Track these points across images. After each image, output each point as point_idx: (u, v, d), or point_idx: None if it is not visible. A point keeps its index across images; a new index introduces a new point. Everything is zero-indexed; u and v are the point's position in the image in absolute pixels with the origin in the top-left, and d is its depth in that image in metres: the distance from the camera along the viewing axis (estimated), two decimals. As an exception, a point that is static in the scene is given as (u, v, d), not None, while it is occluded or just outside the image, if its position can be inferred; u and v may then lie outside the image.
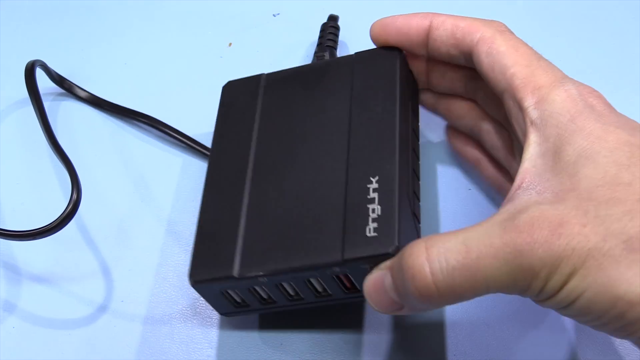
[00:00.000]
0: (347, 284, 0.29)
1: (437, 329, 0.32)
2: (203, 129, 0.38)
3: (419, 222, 0.30)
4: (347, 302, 0.30)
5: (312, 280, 0.29)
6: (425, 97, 0.36)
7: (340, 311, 0.33)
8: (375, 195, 0.28)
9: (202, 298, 0.33)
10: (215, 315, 0.33)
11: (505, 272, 0.24)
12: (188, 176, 0.37)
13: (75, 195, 0.32)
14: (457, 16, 0.31)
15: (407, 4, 0.35)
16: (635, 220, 0.23)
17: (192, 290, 0.34)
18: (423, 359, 0.32)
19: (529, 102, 0.27)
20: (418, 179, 0.31)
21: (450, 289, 0.24)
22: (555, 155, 0.26)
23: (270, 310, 0.31)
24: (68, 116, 0.39)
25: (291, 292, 0.30)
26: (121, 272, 0.34)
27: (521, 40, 0.30)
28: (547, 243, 0.23)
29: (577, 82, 0.28)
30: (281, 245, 0.29)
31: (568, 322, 0.32)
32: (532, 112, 0.27)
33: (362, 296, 0.28)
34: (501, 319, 0.30)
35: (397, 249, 0.26)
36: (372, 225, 0.27)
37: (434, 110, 0.36)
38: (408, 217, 0.29)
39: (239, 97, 0.34)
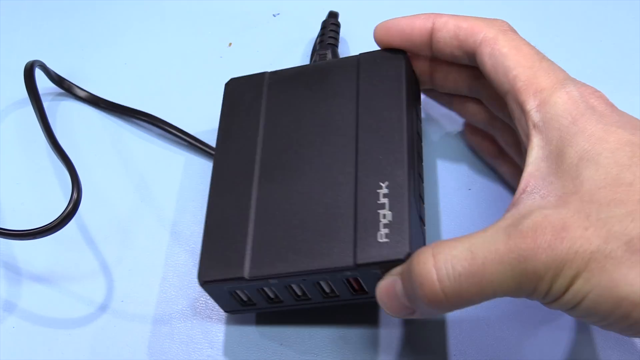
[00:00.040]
0: (355, 286, 0.29)
1: (437, 328, 0.32)
2: (203, 129, 0.38)
3: (424, 225, 0.31)
4: (353, 303, 0.30)
5: (321, 283, 0.29)
6: (439, 94, 0.36)
7: (340, 309, 0.33)
8: (385, 200, 0.28)
9: (202, 298, 0.33)
10: (215, 315, 0.33)
11: (510, 277, 0.24)
12: (189, 175, 0.37)
13: (75, 195, 0.32)
14: (459, 16, 0.31)
15: (407, 1, 0.35)
16: (636, 221, 0.23)
17: (192, 290, 0.34)
18: (423, 359, 0.32)
19: (531, 105, 0.27)
20: (422, 181, 0.32)
21: (457, 295, 0.25)
22: (557, 158, 0.26)
23: (276, 309, 0.31)
24: (68, 116, 0.39)
25: (298, 293, 0.30)
26: (121, 272, 0.34)
27: (524, 39, 0.30)
28: (550, 247, 0.24)
29: (579, 82, 0.28)
30: (292, 248, 0.29)
31: (568, 322, 0.32)
32: (535, 115, 0.27)
33: (369, 297, 0.29)
34: (501, 318, 0.30)
35: (409, 255, 0.27)
36: (383, 231, 0.28)
37: (449, 107, 0.37)
38: (416, 221, 0.29)
39: (243, 95, 0.34)
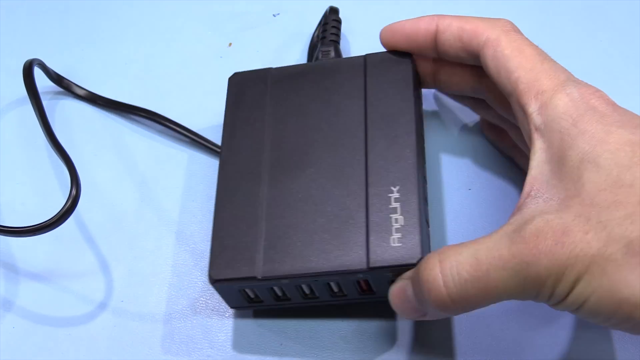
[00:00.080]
0: (364, 287, 0.30)
1: (437, 328, 0.32)
2: (204, 128, 0.38)
3: (428, 227, 0.31)
4: (360, 302, 0.31)
5: (331, 283, 0.30)
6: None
7: (338, 307, 0.33)
8: (397, 205, 0.29)
9: (202, 298, 0.33)
10: (215, 314, 0.33)
11: (514, 282, 0.25)
12: (191, 173, 0.37)
13: (74, 191, 0.32)
14: (463, 17, 0.31)
15: None
16: (635, 224, 0.23)
17: (192, 290, 0.34)
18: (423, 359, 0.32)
19: (532, 108, 0.28)
20: (426, 182, 0.32)
21: (463, 300, 0.26)
22: (559, 160, 0.26)
23: (282, 306, 0.31)
24: (67, 114, 0.39)
25: (307, 292, 0.31)
26: (121, 272, 0.34)
27: (527, 39, 0.30)
28: (552, 253, 0.24)
29: (581, 83, 0.28)
30: (304, 249, 0.29)
31: (568, 322, 0.32)
32: (536, 118, 0.27)
33: (375, 297, 0.30)
34: (501, 318, 0.30)
35: (420, 259, 0.28)
36: (395, 235, 0.28)
37: (462, 103, 0.37)
38: (424, 224, 0.29)
39: (248, 91, 0.34)
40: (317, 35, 0.40)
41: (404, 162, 0.30)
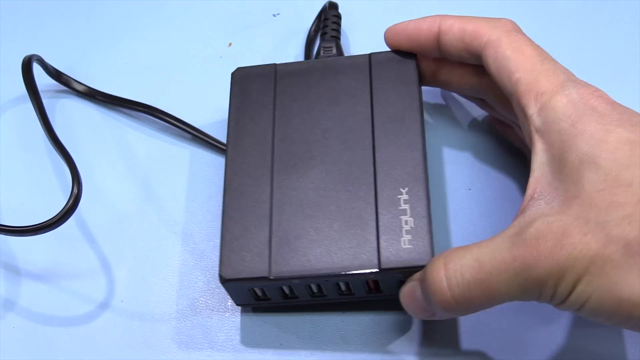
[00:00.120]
0: (372, 286, 0.30)
1: (436, 328, 0.32)
2: (204, 128, 0.38)
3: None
4: (366, 300, 0.32)
5: (340, 283, 0.30)
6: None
7: (340, 304, 0.33)
8: (406, 207, 0.30)
9: (202, 298, 0.33)
10: (215, 315, 0.33)
11: (515, 284, 0.25)
12: (192, 172, 0.37)
13: (76, 190, 0.32)
14: (464, 18, 0.31)
15: None
16: (633, 224, 0.24)
17: (192, 289, 0.34)
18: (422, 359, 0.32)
19: (532, 110, 0.28)
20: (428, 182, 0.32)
21: (468, 302, 0.26)
22: (560, 162, 0.26)
23: (289, 304, 0.32)
24: (66, 111, 0.39)
25: (315, 290, 0.31)
26: (121, 272, 0.34)
27: (528, 39, 0.30)
28: (551, 255, 0.24)
29: (580, 83, 0.28)
30: (315, 249, 0.30)
31: (568, 322, 0.33)
32: (536, 120, 0.28)
33: (382, 296, 0.31)
34: (502, 318, 0.30)
35: None
36: (406, 237, 0.29)
37: (468, 99, 0.37)
38: (431, 224, 0.30)
39: (253, 87, 0.34)
40: (315, 30, 0.40)
41: (412, 163, 0.31)
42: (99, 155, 0.37)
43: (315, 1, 0.41)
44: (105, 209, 0.36)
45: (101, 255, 0.35)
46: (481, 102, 0.36)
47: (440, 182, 0.36)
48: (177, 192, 0.36)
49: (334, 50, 0.37)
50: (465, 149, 0.37)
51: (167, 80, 0.40)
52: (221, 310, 0.33)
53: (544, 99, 0.27)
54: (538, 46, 0.30)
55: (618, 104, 0.27)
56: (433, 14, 0.33)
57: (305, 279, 0.30)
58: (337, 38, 0.38)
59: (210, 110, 0.38)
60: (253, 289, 0.31)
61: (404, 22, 0.33)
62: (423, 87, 0.35)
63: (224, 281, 0.30)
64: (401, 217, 0.30)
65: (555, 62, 0.29)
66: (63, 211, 0.31)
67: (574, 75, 0.28)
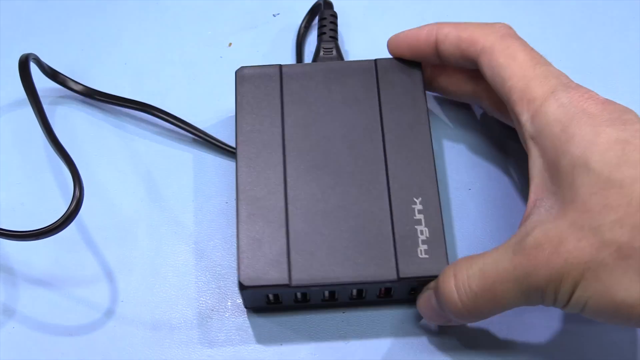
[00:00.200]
0: (383, 292, 0.31)
1: (435, 332, 0.32)
2: (205, 128, 0.38)
3: None
4: (374, 303, 0.32)
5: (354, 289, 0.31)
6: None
7: (340, 304, 0.33)
8: (421, 217, 0.31)
9: (201, 298, 0.33)
10: (215, 315, 0.33)
11: (518, 292, 0.26)
12: (192, 173, 0.37)
13: (78, 192, 0.32)
14: (460, 25, 0.32)
15: None
16: (625, 227, 0.24)
17: (192, 290, 0.34)
18: (422, 358, 0.32)
19: (525, 117, 0.28)
20: None
21: (477, 310, 0.28)
22: (555, 167, 0.27)
23: (300, 307, 0.32)
24: (64, 111, 0.39)
25: (327, 296, 0.31)
26: (121, 273, 0.34)
27: (521, 44, 0.30)
28: (549, 263, 0.25)
29: (571, 86, 0.28)
30: (332, 257, 0.30)
31: (568, 322, 0.33)
32: (529, 127, 0.28)
33: (391, 300, 0.32)
34: (502, 318, 0.30)
35: None
36: (422, 247, 0.30)
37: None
38: (444, 233, 0.31)
39: (259, 89, 0.34)
40: (305, 27, 0.40)
41: (424, 173, 0.32)
42: (98, 155, 0.37)
43: (315, 1, 0.41)
44: (104, 209, 0.36)
45: (101, 255, 0.35)
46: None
47: (440, 183, 0.36)
48: (178, 192, 0.36)
49: (334, 51, 0.38)
50: (465, 149, 0.37)
51: (167, 80, 0.40)
52: (221, 310, 0.33)
53: (535, 106, 0.28)
54: (531, 50, 0.30)
55: (610, 102, 0.27)
56: (431, 22, 0.33)
57: (324, 287, 0.30)
58: (335, 38, 0.38)
59: (211, 110, 0.38)
60: (267, 294, 0.31)
61: (404, 32, 0.34)
62: None
63: (244, 288, 0.30)
64: (416, 227, 0.30)
65: (548, 65, 0.29)
66: (65, 215, 0.31)
67: (566, 78, 0.29)
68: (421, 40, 0.33)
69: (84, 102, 0.39)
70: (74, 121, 0.38)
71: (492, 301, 0.27)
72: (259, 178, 0.32)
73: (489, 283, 0.27)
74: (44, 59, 0.38)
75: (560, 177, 0.26)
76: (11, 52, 0.40)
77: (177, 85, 0.40)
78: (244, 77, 0.35)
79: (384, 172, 0.32)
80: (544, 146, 0.27)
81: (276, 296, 0.31)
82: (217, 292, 0.34)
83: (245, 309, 0.33)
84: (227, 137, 0.37)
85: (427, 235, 0.30)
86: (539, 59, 0.29)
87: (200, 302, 0.33)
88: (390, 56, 0.35)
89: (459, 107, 0.38)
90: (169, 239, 0.35)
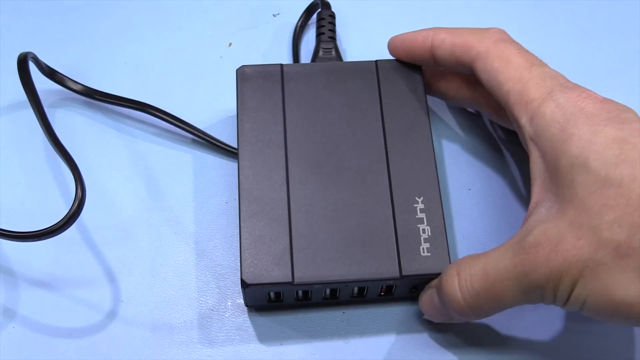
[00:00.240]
0: (384, 290, 0.32)
1: (435, 328, 0.32)
2: (205, 128, 0.38)
3: None
4: (375, 301, 0.32)
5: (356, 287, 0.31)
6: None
7: (339, 303, 0.33)
8: (423, 215, 0.31)
9: (201, 298, 0.33)
10: (215, 315, 0.33)
11: (518, 290, 0.26)
12: (192, 172, 0.37)
13: (80, 192, 0.32)
14: (455, 31, 0.32)
15: None
16: (623, 226, 0.24)
17: (192, 290, 0.34)
18: (421, 359, 0.32)
19: (524, 120, 0.28)
20: None
21: (479, 308, 0.28)
22: (554, 168, 0.27)
23: (301, 305, 0.32)
24: (63, 110, 0.39)
25: (328, 294, 0.32)
26: (121, 272, 0.34)
27: (515, 47, 0.30)
28: (548, 261, 0.25)
29: (568, 86, 0.28)
30: (335, 255, 0.30)
31: (569, 320, 0.33)
32: (528, 129, 0.28)
33: (391, 298, 0.32)
34: (503, 314, 0.30)
35: None
36: (424, 245, 0.31)
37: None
38: (446, 231, 0.31)
39: (261, 88, 0.34)
40: (301, 26, 0.40)
41: (425, 172, 0.32)
42: (98, 156, 0.37)
43: (311, 1, 0.41)
44: (104, 209, 0.36)
45: (100, 255, 0.35)
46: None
47: (440, 183, 0.36)
48: (177, 191, 0.36)
49: (333, 51, 0.38)
50: (465, 149, 0.37)
51: (167, 80, 0.40)
52: (221, 310, 0.33)
53: (533, 108, 0.28)
54: (526, 52, 0.30)
55: (609, 101, 0.27)
56: (428, 27, 0.33)
57: (327, 285, 0.30)
58: (334, 38, 0.39)
59: (211, 110, 0.38)
60: (269, 293, 0.31)
61: (402, 35, 0.34)
62: None
63: (246, 286, 0.30)
64: (418, 225, 0.31)
65: (544, 67, 0.29)
66: (68, 215, 0.31)
67: (563, 78, 0.29)
68: (417, 45, 0.33)
69: (83, 102, 0.39)
70: (73, 121, 0.38)
71: (494, 300, 0.27)
72: (261, 176, 0.32)
73: (489, 281, 0.27)
74: (44, 58, 0.38)
75: (560, 177, 0.26)
76: (11, 52, 0.40)
77: (177, 85, 0.40)
78: (245, 75, 0.35)
79: (385, 171, 0.32)
80: (543, 147, 0.28)
81: (277, 294, 0.31)
82: (217, 292, 0.34)
83: (245, 309, 0.33)
84: (227, 137, 0.37)
85: (429, 234, 0.31)
86: (534, 61, 0.30)
87: (201, 302, 0.33)
88: (390, 57, 0.35)
89: (459, 108, 0.39)
90: (169, 239, 0.35)
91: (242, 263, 0.30)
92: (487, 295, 0.27)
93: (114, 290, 0.34)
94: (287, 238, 0.30)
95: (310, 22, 0.41)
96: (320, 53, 0.38)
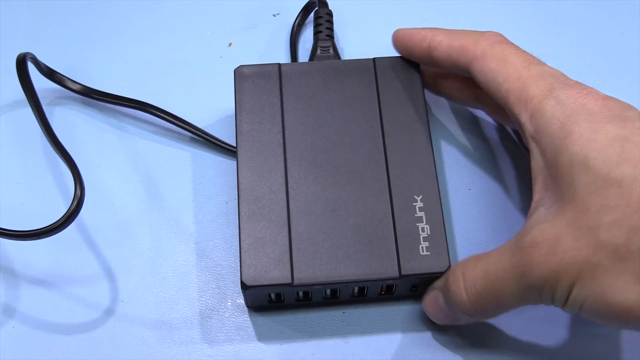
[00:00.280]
0: (384, 289, 0.32)
1: (436, 328, 0.32)
2: (204, 128, 0.38)
3: None
4: (376, 300, 0.32)
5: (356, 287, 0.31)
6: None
7: (339, 303, 0.33)
8: (422, 214, 0.31)
9: (201, 298, 0.33)
10: (215, 315, 0.33)
11: (517, 290, 0.26)
12: (191, 172, 0.37)
13: (79, 192, 0.32)
14: (452, 34, 0.32)
15: None
16: (622, 228, 0.24)
17: (192, 290, 0.34)
18: (421, 359, 0.32)
19: (524, 118, 0.28)
20: None
21: (483, 309, 0.28)
22: (554, 166, 0.26)
23: (301, 305, 0.32)
24: (62, 110, 0.39)
25: (329, 294, 0.31)
26: (121, 272, 0.34)
27: (512, 48, 0.30)
28: (545, 262, 0.25)
29: (569, 83, 0.28)
30: (335, 256, 0.30)
31: (570, 322, 0.33)
32: (529, 127, 0.28)
33: (392, 297, 0.32)
34: (504, 317, 0.30)
35: (448, 268, 0.30)
36: (424, 244, 0.30)
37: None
38: (445, 230, 0.31)
39: (258, 87, 0.34)
40: (299, 24, 0.40)
41: (424, 171, 0.32)
42: (97, 155, 0.37)
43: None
44: (104, 209, 0.36)
45: (100, 254, 0.35)
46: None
47: (440, 183, 0.36)
48: (177, 191, 0.36)
49: (331, 50, 0.38)
50: (465, 149, 0.37)
51: (167, 80, 0.40)
52: (221, 310, 0.33)
53: (533, 105, 0.28)
54: (524, 52, 0.30)
55: (610, 99, 0.27)
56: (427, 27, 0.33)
57: (326, 285, 0.30)
58: (332, 37, 0.39)
59: (211, 110, 0.38)
60: (269, 293, 0.31)
61: (403, 31, 0.34)
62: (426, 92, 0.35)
63: (246, 288, 0.30)
64: (418, 224, 0.31)
65: (542, 65, 0.29)
66: (67, 214, 0.31)
67: (563, 76, 0.29)
68: (416, 45, 0.33)
69: (82, 101, 0.39)
70: (72, 121, 0.38)
71: (494, 301, 0.27)
72: (260, 177, 0.32)
73: (490, 282, 0.27)
74: (44, 58, 0.38)
75: (560, 176, 0.26)
76: (10, 52, 0.40)
77: (177, 85, 0.40)
78: (243, 75, 0.35)
79: (384, 170, 0.32)
80: (543, 144, 0.27)
81: (278, 295, 0.31)
82: (217, 292, 0.34)
83: (245, 309, 0.33)
84: (228, 136, 0.37)
85: (428, 232, 0.30)
86: (532, 60, 0.29)
87: (201, 301, 0.33)
88: (387, 54, 0.35)
89: (459, 108, 0.38)
90: (169, 239, 0.35)
91: (242, 265, 0.30)
92: (489, 296, 0.27)
93: (114, 290, 0.34)
94: (287, 239, 0.30)
95: (307, 20, 0.41)
96: (318, 51, 0.38)
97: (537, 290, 0.26)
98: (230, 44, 0.41)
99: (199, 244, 0.35)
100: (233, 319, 0.33)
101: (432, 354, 0.32)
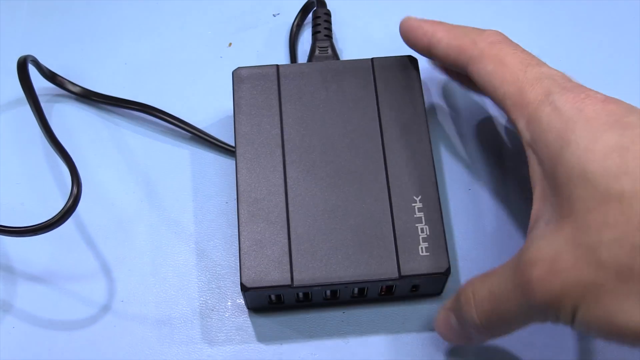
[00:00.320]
0: (384, 290, 0.31)
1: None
2: (204, 128, 0.38)
3: None
4: (376, 301, 0.32)
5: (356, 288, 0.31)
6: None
7: (339, 303, 0.33)
8: (421, 215, 0.31)
9: (201, 298, 0.33)
10: (215, 315, 0.33)
11: (520, 310, 0.25)
12: (190, 172, 0.37)
13: (75, 189, 0.32)
14: (452, 32, 0.31)
15: None
16: (623, 247, 0.22)
17: (192, 290, 0.34)
18: (421, 359, 0.32)
19: (521, 125, 0.27)
20: None
21: (493, 328, 0.27)
22: (552, 177, 0.25)
23: (301, 306, 0.32)
24: (63, 112, 0.39)
25: (329, 295, 0.31)
26: (121, 272, 0.34)
27: (511, 47, 0.29)
28: (544, 282, 0.24)
29: (568, 87, 0.26)
30: (334, 257, 0.30)
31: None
32: (525, 134, 0.27)
33: (391, 297, 0.32)
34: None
35: (448, 269, 0.30)
36: (423, 244, 0.30)
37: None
38: (444, 231, 0.31)
39: (257, 89, 0.34)
40: (298, 25, 0.40)
41: (423, 172, 0.32)
42: (98, 155, 0.37)
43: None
44: (104, 209, 0.36)
45: (100, 255, 0.35)
46: None
47: (440, 183, 0.36)
48: (177, 191, 0.36)
49: (329, 50, 0.38)
50: (465, 149, 0.37)
51: (167, 80, 0.40)
52: (221, 310, 0.33)
53: (529, 111, 0.26)
54: (522, 52, 0.29)
55: (611, 101, 0.25)
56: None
57: (326, 286, 0.30)
58: (330, 37, 0.38)
59: (210, 110, 0.38)
60: (269, 295, 0.31)
61: (408, 22, 0.33)
62: (433, 87, 0.35)
63: (246, 289, 0.30)
64: (417, 225, 0.31)
65: (541, 66, 0.28)
66: (62, 211, 0.31)
67: (562, 78, 0.27)
68: (417, 40, 0.33)
69: (82, 101, 0.39)
70: (72, 122, 0.38)
71: (501, 320, 0.26)
72: (259, 179, 0.32)
73: (495, 302, 0.26)
74: (44, 58, 0.38)
75: (558, 187, 0.25)
76: (10, 52, 0.40)
77: (176, 85, 0.40)
78: (241, 77, 0.35)
79: (383, 170, 0.32)
80: (540, 154, 0.26)
81: (278, 296, 0.31)
82: (217, 291, 0.34)
83: (245, 309, 0.33)
84: (228, 136, 0.37)
85: (428, 233, 0.30)
86: (530, 61, 0.28)
87: (201, 301, 0.33)
88: (386, 55, 0.35)
89: (459, 107, 0.38)
90: (169, 238, 0.35)
91: (242, 267, 0.30)
92: (496, 316, 0.26)
93: (114, 289, 0.34)
94: (286, 240, 0.30)
95: (307, 21, 0.41)
96: (317, 52, 0.38)
97: (541, 311, 0.24)
98: (230, 44, 0.41)
99: (199, 244, 0.35)
100: (233, 319, 0.33)
101: (432, 354, 0.32)
